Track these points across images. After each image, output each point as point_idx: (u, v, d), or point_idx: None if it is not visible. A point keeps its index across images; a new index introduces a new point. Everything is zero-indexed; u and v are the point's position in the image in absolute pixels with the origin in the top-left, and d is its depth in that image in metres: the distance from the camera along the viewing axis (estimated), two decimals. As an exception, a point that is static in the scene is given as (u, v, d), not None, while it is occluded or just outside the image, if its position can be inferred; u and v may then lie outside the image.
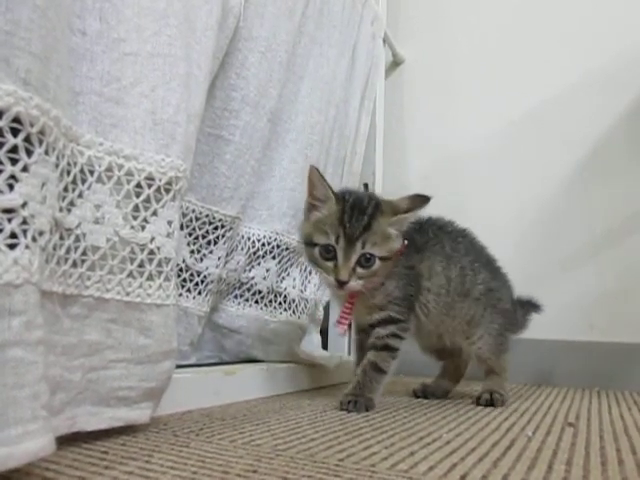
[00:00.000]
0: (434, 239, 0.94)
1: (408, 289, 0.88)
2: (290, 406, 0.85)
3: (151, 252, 0.60)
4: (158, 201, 0.61)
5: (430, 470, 0.50)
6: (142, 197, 0.59)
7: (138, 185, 0.59)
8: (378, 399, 0.86)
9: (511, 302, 1.02)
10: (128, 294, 0.57)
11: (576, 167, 1.38)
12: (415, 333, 0.94)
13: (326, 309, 1.27)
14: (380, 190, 1.44)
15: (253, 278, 1.03)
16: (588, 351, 1.27)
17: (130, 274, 0.58)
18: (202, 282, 0.91)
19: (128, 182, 0.58)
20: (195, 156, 0.88)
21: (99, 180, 0.55)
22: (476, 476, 0.48)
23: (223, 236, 0.92)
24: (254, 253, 1.02)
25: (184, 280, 0.89)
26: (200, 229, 0.90)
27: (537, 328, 1.26)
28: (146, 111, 0.60)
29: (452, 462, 0.53)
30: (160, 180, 0.61)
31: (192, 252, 0.90)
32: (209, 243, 0.91)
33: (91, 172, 0.55)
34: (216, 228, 0.91)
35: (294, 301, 1.09)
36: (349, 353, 1.34)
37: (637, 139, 1.33)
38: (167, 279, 0.61)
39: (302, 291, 1.12)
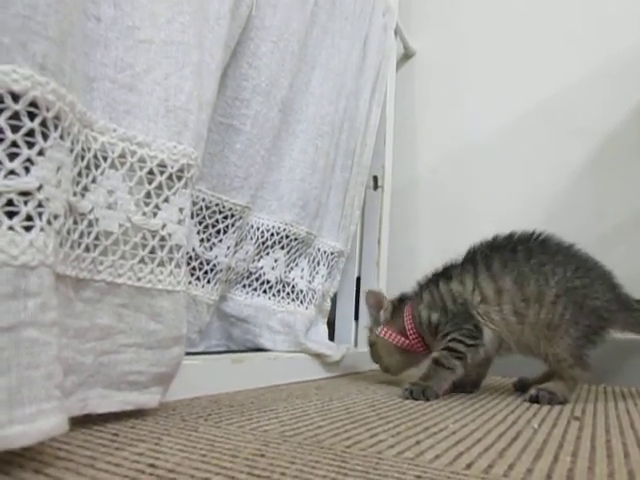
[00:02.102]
0: (483, 255, 0.99)
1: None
2: (297, 395, 0.85)
3: (162, 239, 0.60)
4: (170, 188, 0.61)
5: (436, 458, 0.50)
6: (154, 184, 0.60)
7: (150, 172, 0.59)
8: (441, 391, 0.90)
9: (607, 299, 0.94)
10: (139, 279, 0.58)
11: (586, 161, 1.37)
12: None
13: (333, 300, 1.28)
14: (389, 183, 1.44)
15: (262, 268, 1.04)
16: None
17: (142, 260, 0.58)
18: (211, 271, 0.91)
19: (141, 169, 0.58)
20: (206, 145, 0.88)
21: (112, 166, 0.56)
22: (482, 465, 0.49)
23: (233, 225, 0.93)
24: (263, 243, 1.02)
25: (193, 268, 0.89)
26: (210, 218, 0.90)
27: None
28: (159, 98, 0.61)
29: (458, 451, 0.53)
30: (172, 167, 0.61)
31: (202, 241, 0.90)
32: (219, 232, 0.91)
33: (104, 158, 0.55)
34: (226, 217, 0.92)
35: (302, 291, 1.10)
36: (356, 344, 1.35)
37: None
38: (178, 266, 0.62)
39: (310, 282, 1.13)
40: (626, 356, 1.25)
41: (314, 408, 0.74)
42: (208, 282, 0.91)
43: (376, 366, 1.31)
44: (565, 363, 0.92)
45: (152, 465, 0.44)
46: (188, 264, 0.89)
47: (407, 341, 1.02)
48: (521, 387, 1.02)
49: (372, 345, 1.07)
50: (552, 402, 0.89)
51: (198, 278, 0.90)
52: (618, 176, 1.34)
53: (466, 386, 1.00)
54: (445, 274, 1.01)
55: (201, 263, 0.90)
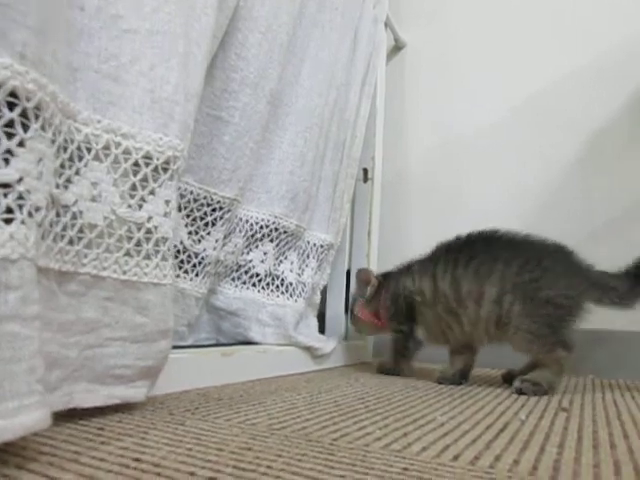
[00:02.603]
0: (430, 262, 1.06)
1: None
2: (286, 388, 0.85)
3: (148, 231, 0.60)
4: (155, 180, 0.60)
5: (423, 450, 0.50)
6: (139, 176, 0.59)
7: (136, 164, 0.59)
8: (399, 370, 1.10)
9: (568, 285, 0.96)
10: (125, 272, 0.57)
11: (576, 155, 1.38)
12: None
13: (323, 293, 1.28)
14: (379, 175, 1.44)
15: (251, 261, 1.03)
16: (583, 339, 1.27)
17: (127, 253, 0.57)
18: (200, 264, 0.91)
19: (125, 160, 0.58)
20: (193, 137, 0.88)
21: (96, 158, 0.55)
22: (469, 456, 0.49)
23: (221, 218, 0.92)
24: (252, 236, 1.02)
25: (182, 261, 0.89)
26: (198, 211, 0.90)
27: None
28: (144, 89, 0.60)
29: (445, 443, 0.53)
30: (158, 159, 0.60)
31: (190, 234, 0.90)
32: (207, 225, 0.91)
33: (88, 149, 0.55)
34: (214, 210, 0.91)
35: (291, 284, 1.09)
36: (346, 337, 1.35)
37: (638, 129, 1.32)
38: (164, 259, 0.61)
39: (299, 275, 1.12)
40: (614, 348, 1.26)
41: (303, 401, 0.74)
42: (196, 275, 0.90)
43: (367, 359, 1.32)
44: (538, 352, 0.94)
45: (137, 459, 0.43)
46: (176, 257, 0.88)
47: (379, 322, 1.14)
48: (509, 378, 1.02)
49: (352, 315, 1.20)
50: (537, 393, 0.90)
51: (186, 271, 0.89)
52: (607, 171, 1.34)
53: (454, 378, 1.02)
54: (409, 268, 1.10)
55: (189, 256, 0.90)
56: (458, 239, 1.05)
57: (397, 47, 1.63)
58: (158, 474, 0.40)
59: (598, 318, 1.16)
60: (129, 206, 0.58)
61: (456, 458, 0.48)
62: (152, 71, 0.61)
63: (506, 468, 0.46)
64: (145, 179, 0.60)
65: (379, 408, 0.71)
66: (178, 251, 0.88)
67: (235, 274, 1.02)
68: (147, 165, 0.60)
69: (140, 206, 0.59)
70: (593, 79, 1.38)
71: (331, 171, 1.22)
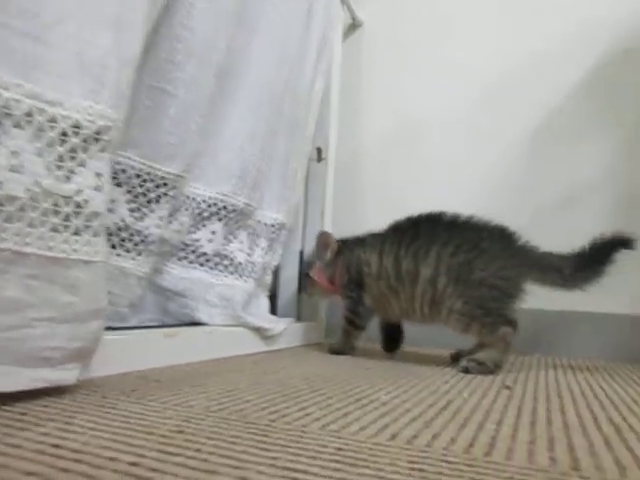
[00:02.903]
0: (381, 238, 1.10)
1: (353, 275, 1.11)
2: (232, 369, 0.83)
3: (78, 205, 0.56)
4: (86, 151, 0.57)
5: (361, 430, 0.50)
6: (67, 146, 0.55)
7: (63, 133, 0.55)
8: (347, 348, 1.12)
9: (502, 266, 0.97)
10: (51, 249, 0.54)
11: (532, 135, 1.39)
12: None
13: (275, 273, 1.26)
14: (333, 154, 1.42)
15: (198, 240, 1.00)
16: (531, 319, 1.30)
17: (53, 228, 0.54)
18: (142, 242, 0.87)
19: (51, 129, 0.54)
20: (136, 110, 0.84)
21: (17, 125, 0.51)
22: (406, 436, 0.48)
23: (166, 195, 0.89)
24: (199, 214, 0.99)
25: (123, 239, 0.85)
26: (141, 187, 0.86)
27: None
28: (71, 52, 0.56)
29: (385, 423, 0.53)
30: (88, 129, 0.57)
31: (132, 210, 0.86)
32: (150, 202, 0.87)
33: (8, 116, 0.51)
34: (158, 186, 0.88)
35: (241, 264, 1.07)
36: (299, 318, 1.34)
37: (592, 109, 1.35)
38: (96, 234, 0.58)
39: (249, 254, 1.10)
40: (559, 327, 1.29)
41: (246, 382, 0.72)
42: (139, 254, 0.87)
43: (320, 339, 1.32)
44: (479, 333, 0.96)
45: (56, 445, 0.41)
46: (117, 235, 0.85)
47: (333, 287, 1.15)
48: (458, 358, 1.03)
49: (307, 277, 1.20)
50: (483, 372, 0.91)
51: (128, 250, 0.86)
52: (557, 153, 1.36)
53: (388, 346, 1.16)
54: (363, 240, 1.13)
55: (131, 234, 0.86)
56: (408, 219, 1.07)
57: (354, 25, 1.60)
58: (76, 460, 0.38)
59: (544, 298, 1.18)
60: (56, 178, 0.54)
61: (393, 437, 0.48)
62: (80, 33, 0.57)
63: (442, 446, 0.45)
64: (74, 150, 0.56)
65: (324, 388, 0.70)
66: (119, 228, 0.85)
67: (182, 253, 0.99)
68: (76, 135, 0.56)
69: (68, 178, 0.55)
70: (546, 61, 1.39)
71: (284, 149, 1.19)
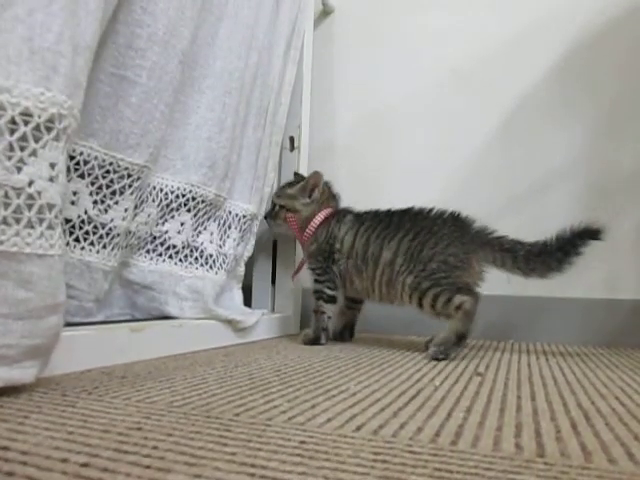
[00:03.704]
0: (361, 220, 1.14)
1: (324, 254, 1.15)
2: (201, 362, 0.82)
3: (30, 197, 0.54)
4: (37, 140, 0.54)
5: (327, 422, 0.49)
6: (17, 135, 0.53)
7: (12, 121, 0.53)
8: (320, 333, 1.13)
9: (452, 246, 1.01)
10: (2, 243, 0.51)
11: (505, 121, 1.39)
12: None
13: (249, 265, 1.24)
14: (306, 143, 1.40)
15: (167, 232, 0.98)
16: (505, 305, 1.31)
17: (4, 221, 0.52)
18: (107, 235, 0.85)
19: (-1, 117, 0.51)
20: (96, 98, 0.81)
21: (-39, 113, 0.49)
22: (373, 426, 0.47)
23: (130, 186, 0.86)
24: (167, 205, 0.96)
25: (87, 233, 0.83)
26: (104, 178, 0.83)
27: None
28: (21, 37, 0.53)
29: (352, 413, 0.52)
30: (39, 117, 0.54)
31: (95, 203, 0.83)
32: (114, 193, 0.84)
33: (-50, 103, 0.48)
34: (122, 177, 0.85)
35: (211, 256, 1.05)
36: (272, 309, 1.32)
37: (562, 95, 1.35)
38: (50, 227, 0.56)
39: (220, 246, 1.08)
40: (533, 313, 1.30)
41: (215, 376, 0.71)
42: (104, 247, 0.84)
43: (294, 331, 1.31)
44: (434, 306, 0.99)
45: (4, 447, 0.39)
46: (80, 228, 0.82)
47: (301, 237, 1.19)
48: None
49: (278, 210, 1.21)
50: (449, 349, 0.93)
51: (92, 243, 0.83)
52: (528, 139, 1.36)
53: (342, 335, 1.19)
54: (344, 216, 1.16)
55: (95, 227, 0.83)
56: (388, 210, 1.13)
57: (325, 12, 1.58)
58: (24, 463, 0.36)
59: (518, 284, 1.19)
60: (5, 168, 0.52)
61: (359, 428, 0.47)
62: (30, 17, 0.54)
63: (408, 436, 0.45)
64: (24, 139, 0.53)
65: (293, 380, 0.69)
66: (82, 221, 0.82)
67: (150, 246, 0.97)
68: (26, 123, 0.54)
69: (19, 169, 0.53)
70: (519, 46, 1.39)
71: (254, 138, 1.17)
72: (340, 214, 1.17)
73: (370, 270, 1.08)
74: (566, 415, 0.55)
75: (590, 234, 0.98)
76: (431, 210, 1.08)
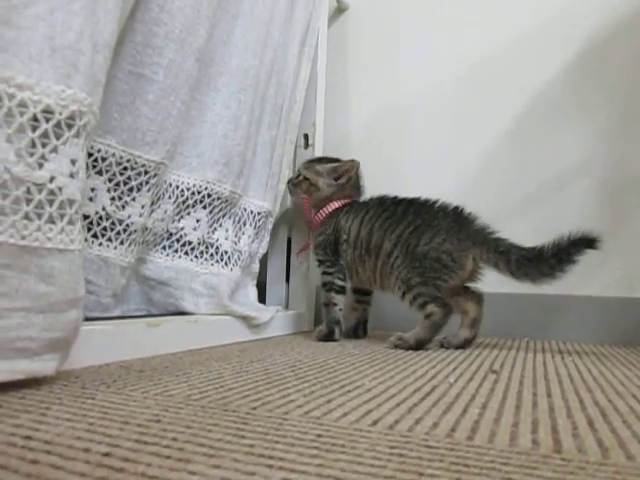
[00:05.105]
0: (366, 208, 1.15)
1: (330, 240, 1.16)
2: (217, 358, 0.82)
3: (51, 193, 0.55)
4: (58, 137, 0.55)
5: (343, 416, 0.49)
6: (39, 132, 0.54)
7: (34, 118, 0.54)
8: (333, 326, 1.13)
9: (447, 244, 1.03)
10: (24, 238, 0.52)
11: (518, 119, 1.38)
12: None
13: (263, 262, 1.25)
14: (321, 141, 1.40)
15: (183, 229, 0.99)
16: (520, 303, 1.30)
17: (26, 216, 0.53)
18: (124, 231, 0.86)
19: (21, 114, 0.52)
20: (114, 95, 0.82)
21: (-16, 110, 0.50)
22: (388, 421, 0.48)
23: (147, 183, 0.87)
24: (183, 202, 0.97)
25: (104, 229, 0.84)
26: (121, 175, 0.84)
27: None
28: (43, 36, 0.54)
29: (368, 408, 0.52)
30: (60, 114, 0.55)
31: (113, 199, 0.84)
32: (131, 190, 0.86)
33: (-25, 100, 0.49)
34: (139, 174, 0.86)
35: (226, 253, 1.06)
36: (287, 306, 1.33)
37: (574, 94, 1.34)
38: (71, 222, 0.57)
39: (235, 243, 1.09)
40: (548, 311, 1.29)
41: (231, 371, 0.71)
42: (121, 243, 0.85)
43: (308, 328, 1.31)
44: (412, 305, 1.03)
45: (28, 437, 0.40)
46: (98, 224, 0.83)
47: (311, 218, 1.21)
48: (444, 344, 1.05)
49: (302, 182, 1.21)
50: (403, 346, 0.99)
51: (110, 239, 0.84)
52: (541, 139, 1.35)
53: (355, 331, 1.20)
54: (351, 205, 1.18)
55: (113, 223, 0.84)
56: (393, 198, 1.14)
57: (340, 9, 1.58)
58: (47, 452, 0.37)
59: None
60: (27, 165, 0.53)
61: (375, 423, 0.47)
62: (52, 16, 0.55)
63: (424, 431, 0.45)
64: (46, 135, 0.54)
65: (309, 376, 0.69)
66: (100, 218, 0.83)
67: (166, 242, 0.98)
68: (48, 120, 0.54)
69: (41, 165, 0.54)
70: (533, 47, 1.38)
71: (268, 136, 1.18)
72: (349, 205, 1.18)
73: (372, 260, 1.10)
74: (583, 412, 0.54)
75: (587, 243, 0.97)
76: (435, 202, 1.09)
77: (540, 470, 0.36)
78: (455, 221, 1.05)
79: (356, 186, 1.22)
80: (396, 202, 1.12)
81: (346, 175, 1.18)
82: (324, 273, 1.16)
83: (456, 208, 1.07)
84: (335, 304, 1.14)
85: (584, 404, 0.58)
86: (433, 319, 0.99)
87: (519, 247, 1.01)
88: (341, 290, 1.15)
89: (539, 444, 0.42)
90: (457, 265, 1.02)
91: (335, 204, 1.18)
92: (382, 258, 1.08)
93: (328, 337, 1.11)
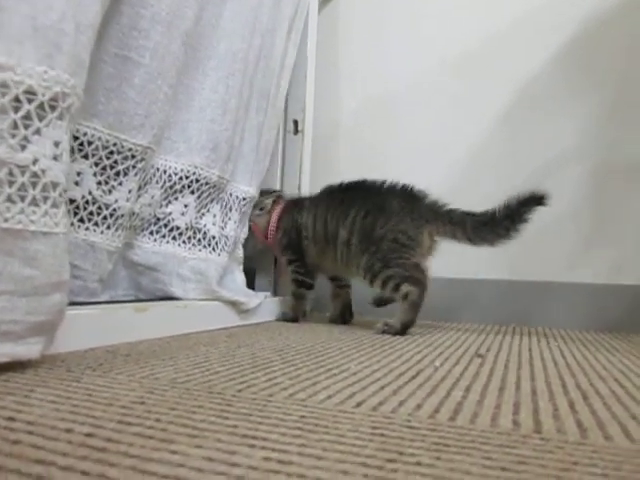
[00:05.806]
0: (317, 201, 1.19)
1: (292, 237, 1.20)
2: (205, 342, 0.82)
3: (34, 175, 0.54)
4: (41, 119, 0.55)
5: (328, 398, 0.49)
6: (21, 113, 0.53)
7: (16, 99, 0.53)
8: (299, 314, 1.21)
9: (402, 223, 1.05)
10: (7, 220, 0.52)
11: (510, 105, 1.38)
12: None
13: (253, 249, 1.25)
14: (310, 127, 1.40)
15: (170, 214, 0.98)
16: (507, 289, 1.31)
17: (8, 198, 0.52)
18: (111, 216, 0.85)
19: (3, 95, 0.52)
20: (100, 79, 0.81)
21: (-35, 90, 0.49)
22: (373, 403, 0.48)
23: (134, 167, 0.86)
24: (171, 187, 0.97)
25: (91, 213, 0.83)
26: (108, 159, 0.84)
27: (462, 268, 1.29)
28: (24, 16, 0.53)
29: (352, 391, 0.53)
30: (43, 95, 0.55)
31: (99, 183, 0.84)
32: (118, 174, 0.85)
33: (-45, 80, 0.48)
34: (126, 158, 0.85)
35: (214, 238, 1.06)
36: (275, 292, 1.33)
37: (565, 80, 1.34)
38: (55, 205, 0.56)
39: (222, 228, 1.09)
40: (536, 298, 1.31)
41: (217, 355, 0.71)
42: (108, 228, 0.85)
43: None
44: (384, 289, 1.04)
45: (10, 418, 0.40)
46: (84, 209, 0.82)
47: (266, 241, 1.24)
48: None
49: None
50: (390, 332, 1.00)
51: (96, 223, 0.84)
52: (534, 123, 1.36)
53: (343, 316, 1.22)
54: (302, 203, 1.21)
55: (99, 207, 0.84)
56: (339, 185, 1.17)
57: (330, -5, 1.57)
58: (29, 432, 0.37)
59: (521, 269, 1.19)
60: (9, 146, 0.52)
61: (359, 405, 0.47)
62: (33, -5, 0.54)
63: (407, 412, 0.45)
64: (28, 117, 0.54)
65: (295, 359, 0.70)
66: (87, 202, 0.82)
67: (153, 227, 0.97)
68: (30, 102, 0.54)
69: (23, 147, 0.53)
70: (524, 33, 1.38)
71: (256, 121, 1.17)
72: (298, 203, 1.22)
73: (331, 250, 1.13)
74: (564, 395, 0.55)
75: (535, 200, 1.00)
76: (383, 184, 1.11)
77: (519, 449, 0.37)
78: (406, 200, 1.07)
79: (278, 196, 1.27)
80: (343, 189, 1.15)
81: (265, 204, 1.24)
82: (294, 272, 1.20)
83: (404, 187, 1.09)
84: (304, 297, 1.21)
85: (566, 387, 0.59)
86: (411, 298, 1.00)
87: (472, 214, 1.04)
88: (310, 287, 1.21)
89: (520, 425, 0.43)
90: (415, 242, 1.04)
91: (275, 215, 1.23)
92: (340, 248, 1.10)
93: (293, 320, 1.19)
